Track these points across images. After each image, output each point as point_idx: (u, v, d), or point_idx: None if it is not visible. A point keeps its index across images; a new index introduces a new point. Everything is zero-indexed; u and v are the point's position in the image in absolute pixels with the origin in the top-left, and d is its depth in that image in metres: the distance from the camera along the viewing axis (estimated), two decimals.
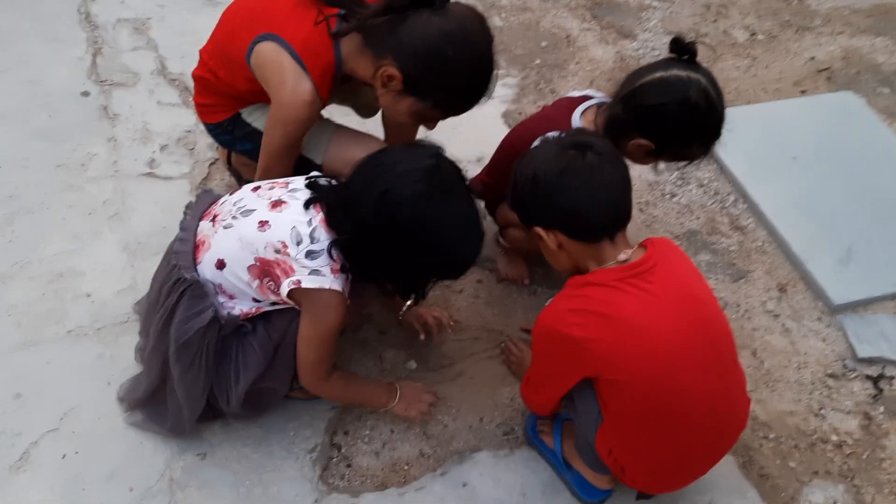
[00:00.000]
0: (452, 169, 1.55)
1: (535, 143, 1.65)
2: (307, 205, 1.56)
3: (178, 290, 1.60)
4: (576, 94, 1.97)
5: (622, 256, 1.52)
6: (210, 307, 1.58)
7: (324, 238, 1.52)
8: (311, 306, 1.55)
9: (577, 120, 1.87)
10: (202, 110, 2.03)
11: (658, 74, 1.73)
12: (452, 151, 1.59)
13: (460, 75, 1.68)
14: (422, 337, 1.98)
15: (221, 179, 2.42)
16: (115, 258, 2.18)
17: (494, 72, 1.72)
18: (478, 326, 2.13)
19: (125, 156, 2.47)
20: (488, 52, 1.70)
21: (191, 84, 2.02)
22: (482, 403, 1.96)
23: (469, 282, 2.23)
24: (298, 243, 1.51)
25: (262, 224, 1.55)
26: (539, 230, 1.57)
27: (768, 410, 1.99)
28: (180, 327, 1.58)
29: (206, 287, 1.58)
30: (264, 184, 1.66)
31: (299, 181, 1.63)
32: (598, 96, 1.92)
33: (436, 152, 1.54)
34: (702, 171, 2.62)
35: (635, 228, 2.40)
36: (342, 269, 1.53)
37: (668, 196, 2.54)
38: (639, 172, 2.51)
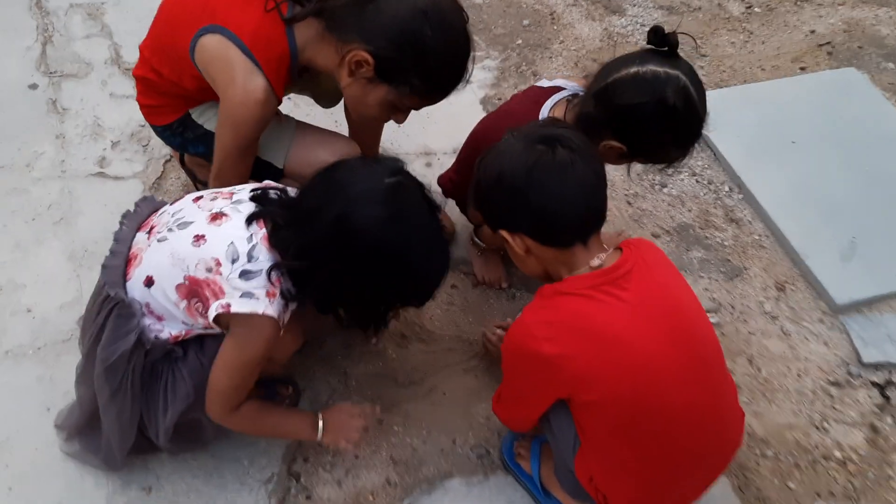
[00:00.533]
0: (415, 185, 1.41)
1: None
2: (250, 220, 1.41)
3: (106, 308, 1.45)
4: (545, 83, 1.80)
5: (595, 262, 1.40)
6: (135, 329, 1.43)
7: (263, 258, 1.37)
8: (238, 329, 1.40)
9: (545, 116, 1.70)
10: (147, 111, 1.87)
11: (633, 70, 1.56)
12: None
13: (439, 56, 1.56)
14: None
15: (177, 178, 2.26)
16: (59, 268, 2.02)
17: (472, 53, 1.61)
18: (452, 336, 1.98)
19: (74, 154, 2.30)
20: (465, 30, 1.59)
21: None
22: (455, 423, 1.81)
23: (442, 287, 2.06)
24: (234, 261, 1.36)
25: (198, 238, 1.40)
26: (505, 234, 1.44)
27: (766, 424, 1.84)
28: (104, 350, 1.44)
29: (133, 307, 1.43)
30: (207, 194, 1.52)
31: (246, 192, 1.47)
32: (570, 87, 1.75)
33: (397, 168, 1.40)
34: (694, 159, 2.44)
35: (622, 223, 2.25)
36: (282, 295, 1.37)
37: (657, 187, 2.37)
38: None
